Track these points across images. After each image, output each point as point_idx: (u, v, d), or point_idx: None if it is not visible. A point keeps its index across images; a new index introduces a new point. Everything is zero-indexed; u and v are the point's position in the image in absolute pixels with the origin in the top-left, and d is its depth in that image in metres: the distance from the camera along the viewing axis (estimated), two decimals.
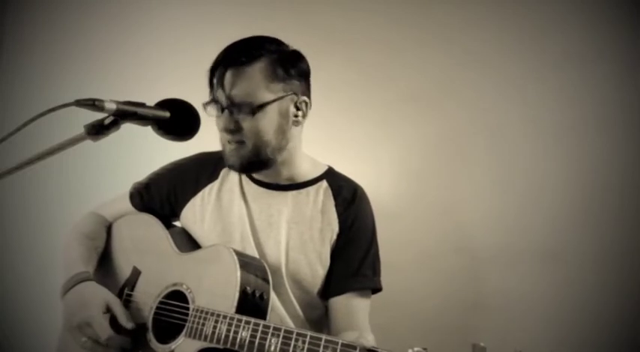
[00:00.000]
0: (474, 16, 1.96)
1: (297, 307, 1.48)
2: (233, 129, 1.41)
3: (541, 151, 1.86)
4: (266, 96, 1.40)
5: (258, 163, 1.46)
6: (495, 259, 1.87)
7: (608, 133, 1.80)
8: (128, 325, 1.41)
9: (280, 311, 1.45)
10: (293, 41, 1.50)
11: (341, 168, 1.61)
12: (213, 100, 1.42)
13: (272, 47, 1.44)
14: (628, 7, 1.82)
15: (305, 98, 1.48)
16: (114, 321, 1.41)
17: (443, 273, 1.90)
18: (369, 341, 1.13)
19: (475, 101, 1.95)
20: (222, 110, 1.41)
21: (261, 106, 1.39)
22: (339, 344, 1.08)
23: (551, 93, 1.87)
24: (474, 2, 1.98)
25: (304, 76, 1.49)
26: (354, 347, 1.06)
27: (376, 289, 1.51)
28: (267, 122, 1.41)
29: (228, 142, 1.44)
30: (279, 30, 1.50)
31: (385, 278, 1.52)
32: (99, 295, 1.45)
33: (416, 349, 0.98)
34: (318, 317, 1.52)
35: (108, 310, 1.42)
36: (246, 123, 1.40)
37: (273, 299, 1.41)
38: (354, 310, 1.46)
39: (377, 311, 1.51)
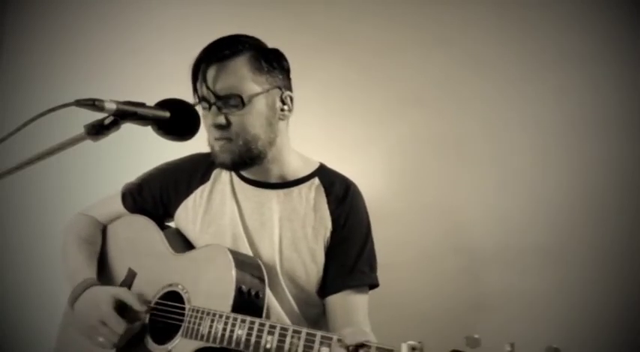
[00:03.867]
0: (474, 16, 1.96)
1: (294, 305, 1.47)
2: (222, 125, 1.40)
3: (541, 151, 1.86)
4: (253, 87, 1.40)
5: (250, 159, 1.44)
6: (495, 259, 1.87)
7: (608, 133, 1.80)
8: (142, 308, 1.43)
9: (277, 309, 1.45)
10: (293, 41, 1.50)
11: (340, 168, 1.60)
12: (201, 98, 1.41)
13: (253, 42, 1.46)
14: (628, 7, 1.82)
15: (290, 93, 1.48)
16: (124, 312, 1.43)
17: (442, 273, 1.90)
18: (367, 334, 1.14)
19: (475, 101, 1.95)
20: (210, 107, 1.40)
21: (250, 98, 1.39)
22: (334, 339, 1.09)
23: (551, 94, 1.87)
24: (473, 2, 1.97)
25: (286, 72, 1.50)
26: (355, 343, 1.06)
27: (373, 285, 1.51)
28: (256, 115, 1.41)
29: (216, 139, 1.43)
30: (280, 30, 1.51)
31: (384, 278, 1.52)
32: (105, 293, 1.45)
33: (410, 342, 0.98)
34: (317, 316, 1.51)
35: (117, 303, 1.42)
36: (235, 118, 1.40)
37: (271, 298, 1.41)
38: (353, 307, 1.46)
39: (376, 311, 1.51)
